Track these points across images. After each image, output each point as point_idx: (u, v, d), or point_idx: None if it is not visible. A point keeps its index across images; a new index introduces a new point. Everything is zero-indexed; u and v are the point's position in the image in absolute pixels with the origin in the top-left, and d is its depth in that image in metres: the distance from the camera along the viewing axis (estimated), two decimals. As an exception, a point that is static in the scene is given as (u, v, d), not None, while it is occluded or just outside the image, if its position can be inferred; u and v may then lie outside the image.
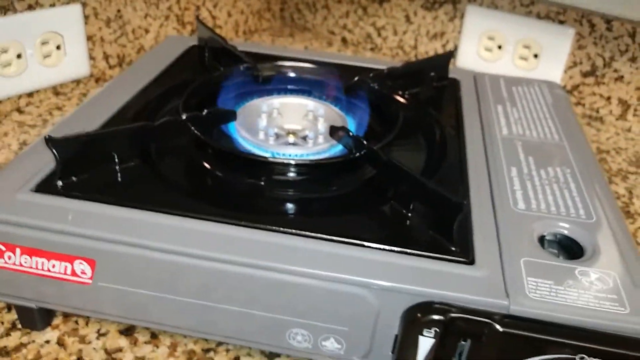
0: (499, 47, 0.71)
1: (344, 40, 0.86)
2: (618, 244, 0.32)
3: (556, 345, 0.27)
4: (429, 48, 0.78)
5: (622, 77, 0.65)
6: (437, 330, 0.28)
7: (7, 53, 0.57)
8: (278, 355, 0.36)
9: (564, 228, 0.33)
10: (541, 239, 0.33)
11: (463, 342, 0.29)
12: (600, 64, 0.66)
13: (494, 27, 0.71)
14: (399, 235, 0.31)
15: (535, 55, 0.69)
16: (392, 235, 0.32)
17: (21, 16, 0.57)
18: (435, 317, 0.28)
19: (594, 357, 0.27)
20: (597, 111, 0.68)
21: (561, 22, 0.67)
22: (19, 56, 0.58)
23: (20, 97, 0.61)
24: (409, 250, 0.30)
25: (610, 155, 0.61)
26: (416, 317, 0.28)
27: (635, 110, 0.65)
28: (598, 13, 0.64)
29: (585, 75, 0.67)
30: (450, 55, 0.50)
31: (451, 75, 0.51)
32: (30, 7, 0.58)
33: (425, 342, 0.29)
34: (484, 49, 0.73)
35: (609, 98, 0.67)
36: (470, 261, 0.30)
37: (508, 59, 0.71)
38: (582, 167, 0.38)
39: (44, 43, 0.60)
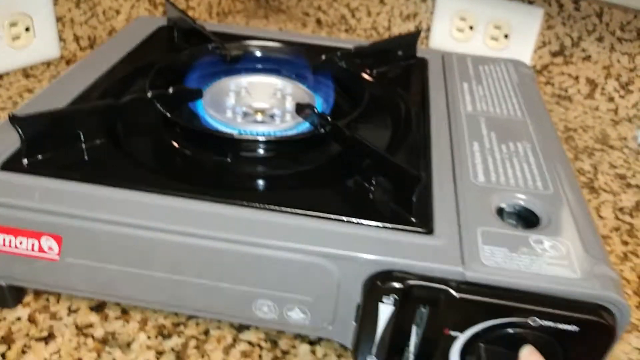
0: (471, 27, 0.72)
1: (318, 21, 0.86)
2: (573, 214, 0.33)
3: (509, 309, 0.28)
4: (403, 29, 0.79)
5: (589, 56, 0.66)
6: (396, 297, 0.29)
7: (-26, 34, 0.57)
8: (247, 327, 0.37)
9: (521, 199, 0.34)
10: (500, 211, 0.34)
11: (423, 310, 0.30)
12: (569, 43, 0.67)
13: (465, 7, 0.71)
14: (362, 208, 0.32)
15: (506, 36, 0.70)
16: (355, 208, 0.32)
17: (-12, -3, 0.56)
18: (394, 284, 0.29)
19: (546, 320, 0.28)
20: (566, 90, 0.69)
21: (530, 3, 0.68)
22: (-14, 38, 0.58)
23: (-11, 79, 0.60)
24: (370, 222, 0.31)
25: (577, 133, 0.63)
26: (376, 285, 0.29)
27: (603, 89, 0.67)
28: (566, -7, 0.65)
29: (554, 55, 0.69)
30: (417, 34, 0.51)
31: (420, 54, 0.52)
32: (-3, -12, 0.57)
33: (385, 309, 0.30)
34: (456, 29, 0.73)
35: (577, 77, 0.68)
36: (429, 231, 0.31)
37: (479, 39, 0.72)
38: (543, 143, 0.39)
39: (12, 25, 0.59)
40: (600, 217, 0.50)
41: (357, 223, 0.31)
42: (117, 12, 0.69)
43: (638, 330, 0.39)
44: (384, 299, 0.29)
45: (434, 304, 0.29)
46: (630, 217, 0.50)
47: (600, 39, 0.65)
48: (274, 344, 0.36)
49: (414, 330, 0.30)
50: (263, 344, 0.36)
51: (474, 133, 0.40)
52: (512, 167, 0.36)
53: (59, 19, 0.63)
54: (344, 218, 0.31)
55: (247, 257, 0.31)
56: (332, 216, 0.31)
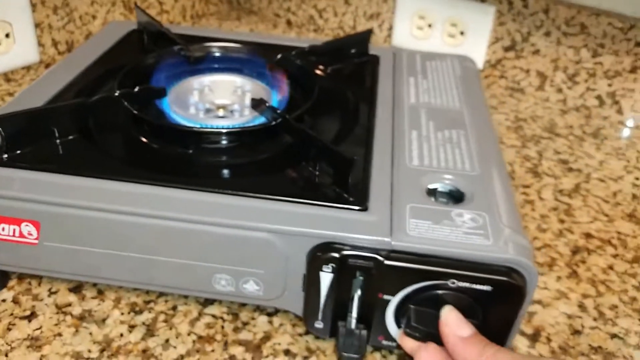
0: (429, 25, 0.77)
1: (288, 22, 0.90)
2: (495, 191, 0.38)
3: (431, 274, 0.33)
4: (367, 27, 0.83)
5: (538, 50, 0.71)
6: (334, 265, 0.33)
7: (-44, 41, 0.60)
8: (211, 302, 0.41)
9: (448, 179, 0.38)
10: (433, 191, 0.38)
11: (359, 277, 0.34)
12: (519, 39, 0.72)
13: (424, 7, 0.76)
14: (307, 190, 0.36)
15: (462, 33, 0.75)
16: (301, 190, 0.37)
17: (-32, 5, 0.60)
18: (332, 254, 0.33)
19: (463, 281, 0.33)
20: (519, 83, 0.74)
21: (483, 1, 0.72)
22: (-32, 44, 0.61)
23: (-29, 83, 0.63)
24: (312, 202, 0.35)
25: (527, 123, 0.67)
26: (317, 255, 0.33)
27: (552, 81, 0.71)
28: (514, -8, 0.69)
29: (506, 49, 0.73)
30: (369, 33, 0.55)
31: (372, 52, 0.56)
32: (-24, -3, 0.60)
33: (326, 277, 0.34)
34: (416, 27, 0.78)
35: (528, 71, 0.73)
36: (364, 208, 0.35)
37: (437, 37, 0.76)
38: (475, 130, 0.44)
39: (-8, 31, 0.63)
40: (541, 198, 0.55)
41: (302, 203, 0.35)
42: (93, 17, 0.73)
43: (566, 297, 0.44)
44: (324, 268, 0.34)
45: (367, 271, 0.33)
46: (569, 198, 0.55)
47: (547, 34, 0.69)
48: (235, 316, 0.40)
49: (354, 296, 0.35)
50: (225, 316, 0.40)
51: (414, 122, 0.44)
52: (445, 152, 0.41)
53: (37, 25, 0.67)
54: (291, 199, 0.35)
55: (207, 235, 0.35)
56: (280, 197, 0.35)
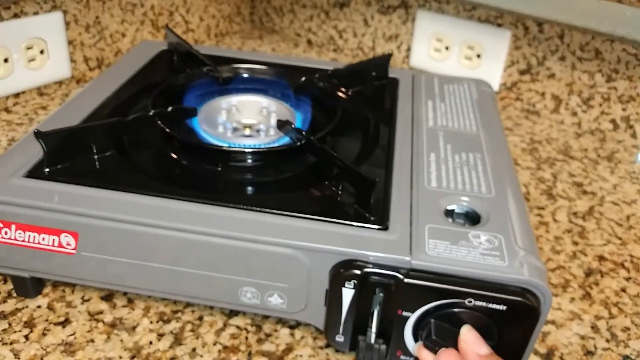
0: (447, 47, 0.79)
1: (309, 42, 0.92)
2: (509, 213, 0.39)
3: (449, 293, 0.34)
4: (386, 49, 0.85)
5: (553, 74, 0.73)
6: (356, 282, 0.35)
7: (-5, 57, 0.63)
8: (236, 314, 0.43)
9: (465, 201, 0.40)
10: (450, 212, 0.40)
11: (379, 294, 0.36)
12: (535, 62, 0.73)
13: (441, 29, 0.78)
14: (330, 209, 0.38)
15: (478, 55, 0.77)
16: (324, 208, 0.38)
17: (8, 24, 0.63)
18: (354, 272, 0.35)
19: (479, 301, 0.34)
20: (534, 105, 0.76)
21: (499, 25, 0.74)
22: (6, 60, 0.64)
23: (7, 97, 0.66)
24: (335, 220, 0.37)
25: (541, 145, 0.69)
26: (339, 272, 0.35)
27: (567, 104, 0.73)
28: (531, 16, 0.71)
29: (522, 73, 0.75)
30: (389, 57, 0.57)
31: (392, 74, 0.58)
32: (15, 15, 0.63)
33: (348, 293, 0.36)
34: (434, 49, 0.80)
35: (543, 94, 0.74)
36: (385, 227, 0.37)
37: (454, 59, 0.78)
38: (492, 153, 0.45)
39: (28, 48, 0.66)
40: (555, 220, 0.56)
41: (326, 221, 0.37)
42: (123, 35, 0.76)
43: (579, 318, 0.45)
44: (346, 284, 0.35)
45: (387, 289, 0.35)
46: (583, 221, 0.56)
47: (562, 58, 0.71)
48: (259, 328, 0.42)
49: (374, 311, 0.36)
50: (249, 327, 0.42)
51: (432, 145, 0.46)
52: (462, 175, 0.42)
53: (70, 42, 0.70)
54: (315, 217, 0.37)
55: (234, 250, 0.37)
56: (304, 215, 0.37)
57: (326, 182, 0.41)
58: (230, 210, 0.38)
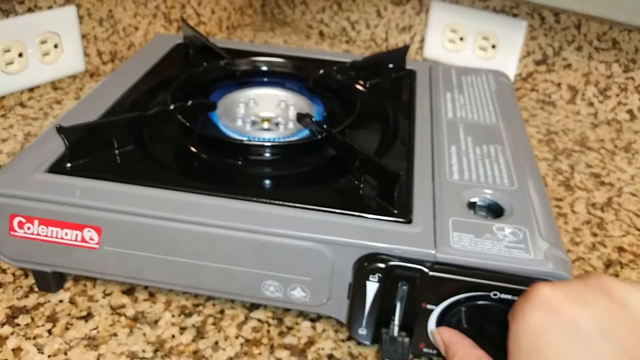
0: (461, 38, 0.78)
1: (321, 33, 0.92)
2: (533, 205, 0.39)
3: (475, 285, 0.34)
4: (399, 40, 0.85)
5: (570, 64, 0.72)
6: (380, 275, 0.35)
7: (10, 52, 0.63)
8: (257, 307, 0.43)
9: (488, 193, 0.39)
10: (472, 204, 0.40)
11: (403, 287, 0.36)
12: (551, 53, 0.73)
13: (455, 20, 0.77)
14: (353, 202, 0.38)
15: (494, 46, 0.76)
16: (347, 201, 0.38)
17: (22, 18, 0.63)
18: (378, 265, 0.35)
19: (505, 293, 0.34)
20: (550, 96, 0.75)
21: (515, 15, 0.73)
22: (20, 55, 0.64)
23: (22, 92, 0.67)
24: (358, 213, 0.37)
25: (558, 136, 0.68)
26: (363, 265, 0.35)
27: (583, 94, 0.72)
28: (547, 6, 0.70)
29: (537, 63, 0.74)
30: (406, 49, 0.56)
31: (409, 66, 0.57)
32: (29, 10, 0.63)
33: (372, 287, 0.36)
34: (448, 40, 0.79)
35: (559, 84, 0.74)
36: (408, 221, 0.37)
37: (469, 50, 0.78)
38: (512, 145, 0.45)
39: (43, 42, 0.66)
40: (574, 211, 0.56)
41: (349, 214, 0.37)
42: (136, 28, 0.76)
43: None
44: (371, 278, 0.35)
45: (412, 282, 0.35)
46: (601, 212, 0.56)
47: (579, 49, 0.70)
48: (280, 321, 0.42)
49: (397, 304, 0.36)
50: (271, 321, 0.42)
51: (452, 137, 0.45)
52: (484, 167, 0.42)
53: (84, 36, 0.70)
54: (338, 210, 0.37)
55: (256, 243, 0.37)
56: (327, 209, 0.37)
57: (347, 176, 0.41)
58: (251, 204, 0.38)
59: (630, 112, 0.69)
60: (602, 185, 0.60)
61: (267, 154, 0.43)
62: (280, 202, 0.38)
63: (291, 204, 0.38)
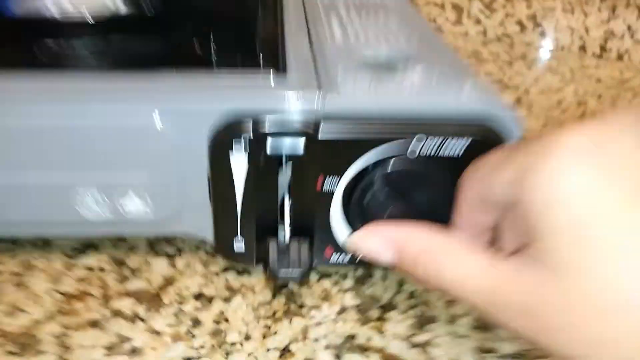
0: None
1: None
2: (430, 56, 0.29)
3: (385, 140, 0.24)
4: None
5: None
6: (249, 152, 0.23)
7: None
8: (83, 251, 0.29)
9: (381, 50, 0.29)
10: (362, 60, 0.29)
11: (287, 168, 0.24)
12: (430, -30, 0.66)
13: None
14: (203, 60, 0.26)
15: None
16: (195, 60, 0.26)
17: None
18: (244, 135, 0.23)
19: (425, 148, 0.24)
20: (434, 21, 0.68)
21: None
22: None
23: None
24: (210, 70, 0.25)
25: (450, 54, 0.61)
26: (222, 140, 0.23)
27: (469, 12, 0.66)
28: None
29: (417, -16, 0.67)
30: None
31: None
32: None
33: (239, 169, 0.24)
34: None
35: (442, 5, 0.67)
36: (282, 72, 0.26)
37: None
38: (403, 15, 0.36)
39: None
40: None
41: (198, 73, 0.25)
42: None
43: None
44: (236, 155, 0.24)
45: (296, 155, 0.24)
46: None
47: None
48: (121, 264, 0.29)
49: (283, 196, 0.25)
50: (106, 266, 0.29)
51: (331, 9, 0.35)
52: (373, 30, 0.32)
53: None
54: (181, 70, 0.25)
55: (63, 132, 0.24)
56: (166, 71, 0.25)
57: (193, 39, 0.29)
58: (59, 81, 0.25)
59: (519, 22, 0.64)
60: (507, 89, 0.53)
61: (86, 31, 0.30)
62: (106, 72, 0.25)
63: (118, 71, 0.25)
